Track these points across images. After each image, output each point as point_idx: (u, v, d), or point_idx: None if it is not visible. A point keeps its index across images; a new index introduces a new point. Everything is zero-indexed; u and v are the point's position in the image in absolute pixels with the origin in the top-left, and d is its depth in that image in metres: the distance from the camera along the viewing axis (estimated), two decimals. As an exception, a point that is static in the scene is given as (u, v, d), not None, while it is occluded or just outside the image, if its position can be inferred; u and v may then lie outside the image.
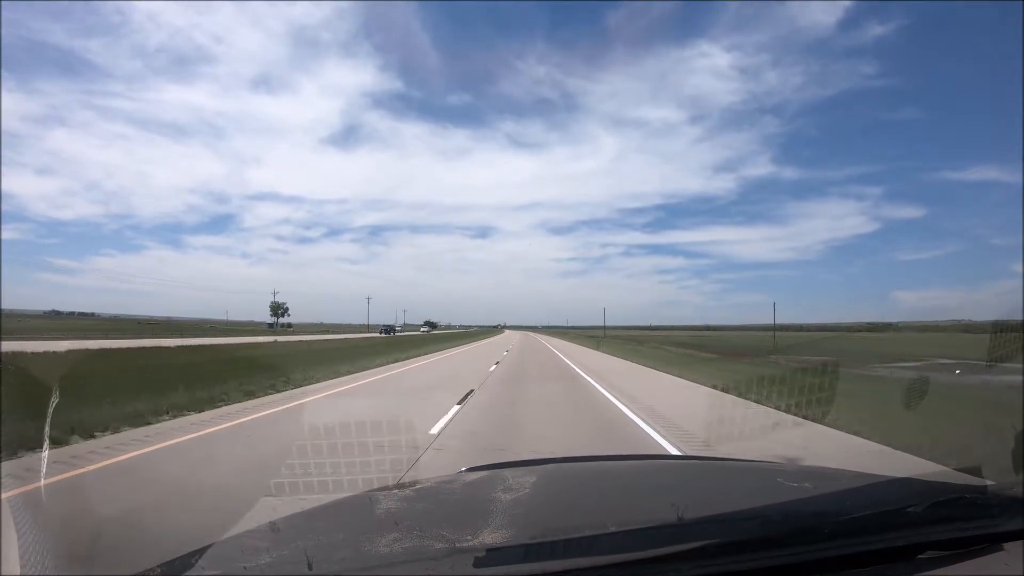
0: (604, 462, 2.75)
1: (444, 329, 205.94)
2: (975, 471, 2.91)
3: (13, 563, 1.35)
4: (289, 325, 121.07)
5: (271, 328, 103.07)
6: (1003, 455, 3.99)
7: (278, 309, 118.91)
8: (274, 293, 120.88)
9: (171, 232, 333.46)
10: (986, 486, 1.67)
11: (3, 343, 19.93)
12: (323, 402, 10.67)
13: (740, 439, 6.50)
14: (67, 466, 5.32)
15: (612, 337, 76.57)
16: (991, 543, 1.28)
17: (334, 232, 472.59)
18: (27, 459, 5.59)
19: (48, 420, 2.73)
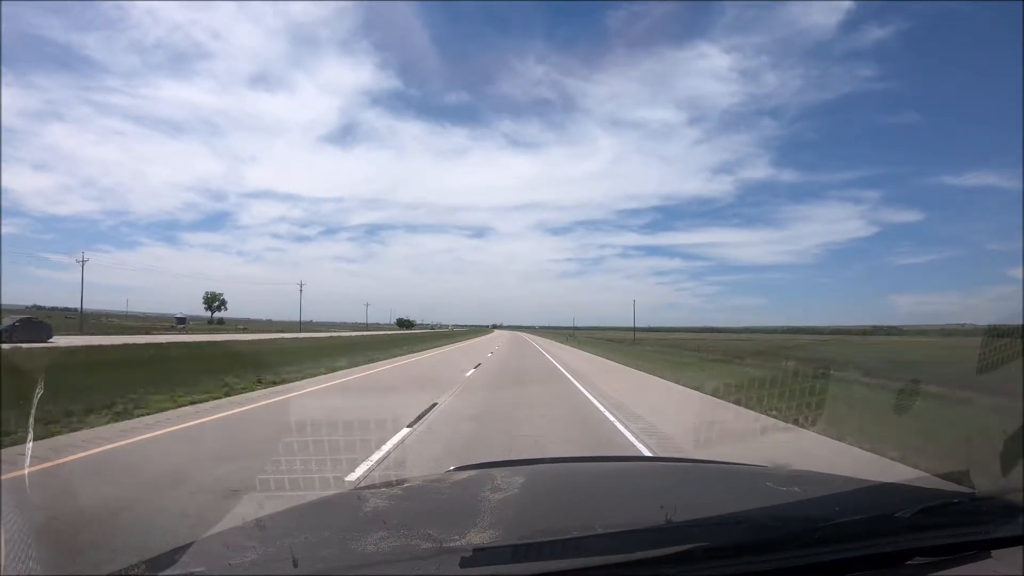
0: (593, 463, 2.74)
1: (421, 328, 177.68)
2: (963, 476, 2.92)
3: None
4: (221, 321, 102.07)
5: (179, 324, 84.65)
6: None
7: (212, 301, 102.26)
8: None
9: (168, 229, 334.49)
10: (974, 493, 1.67)
11: None
12: None
13: None
14: None
15: (640, 341, 60.62)
16: (979, 550, 1.28)
17: (331, 231, 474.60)
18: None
19: (33, 411, 2.73)
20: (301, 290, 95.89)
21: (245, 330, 73.16)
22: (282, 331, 73.20)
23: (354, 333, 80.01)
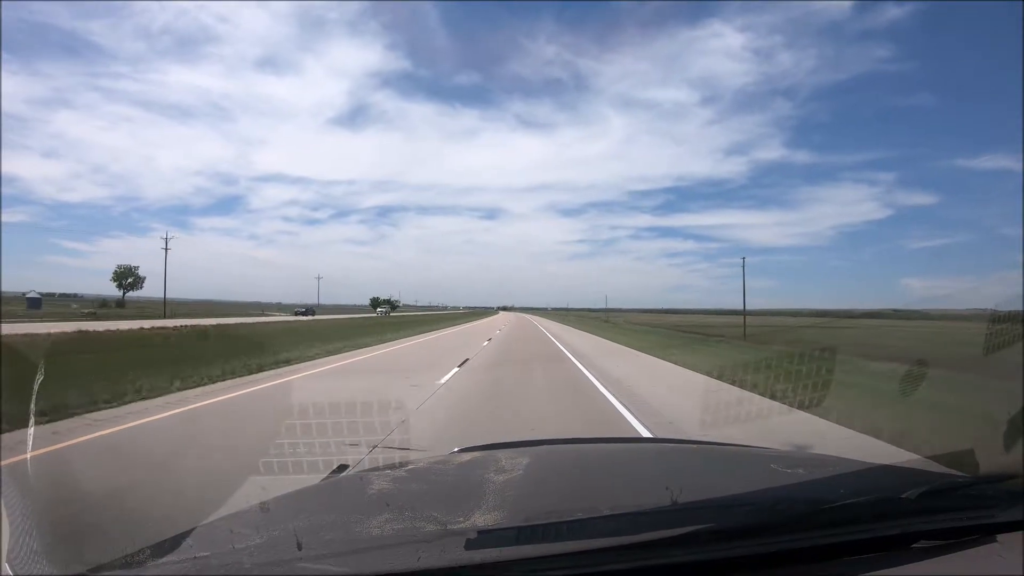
0: (598, 444, 2.74)
1: (404, 312, 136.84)
2: (968, 458, 2.91)
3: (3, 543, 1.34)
4: (120, 304, 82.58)
5: (31, 308, 65.35)
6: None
7: (124, 277, 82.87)
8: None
9: (179, 214, 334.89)
10: (980, 476, 1.67)
11: None
12: None
13: None
14: None
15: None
16: (984, 534, 1.27)
17: (342, 214, 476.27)
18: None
19: (34, 397, 2.75)
20: (166, 251, 63.21)
21: (93, 315, 51.95)
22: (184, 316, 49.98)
23: (259, 319, 53.15)
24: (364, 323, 46.90)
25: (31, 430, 5.45)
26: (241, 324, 37.91)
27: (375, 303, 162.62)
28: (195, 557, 1.13)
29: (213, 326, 33.55)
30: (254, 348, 16.60)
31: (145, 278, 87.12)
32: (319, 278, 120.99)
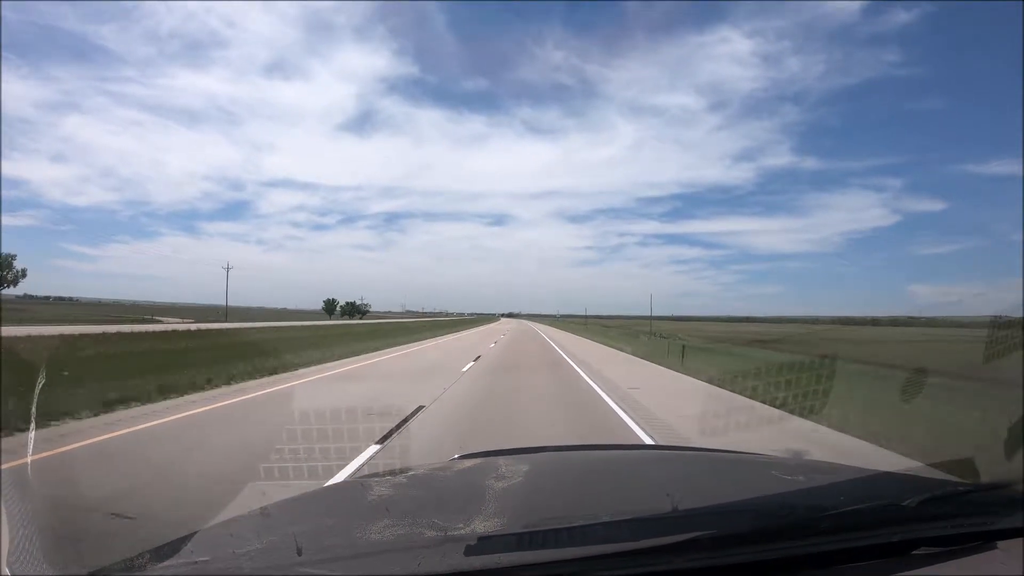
0: (598, 451, 2.74)
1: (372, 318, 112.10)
2: (968, 465, 2.91)
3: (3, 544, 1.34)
4: None
5: None
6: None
7: None
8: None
9: (186, 218, 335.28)
10: (980, 483, 1.67)
11: None
12: None
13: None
14: None
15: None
16: (985, 540, 1.27)
17: (349, 219, 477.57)
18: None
19: (35, 400, 2.76)
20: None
21: None
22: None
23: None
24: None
25: (32, 434, 5.45)
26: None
27: (330, 306, 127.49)
28: (195, 561, 1.14)
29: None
30: None
31: (24, 270, 70.33)
32: (227, 268, 79.95)
